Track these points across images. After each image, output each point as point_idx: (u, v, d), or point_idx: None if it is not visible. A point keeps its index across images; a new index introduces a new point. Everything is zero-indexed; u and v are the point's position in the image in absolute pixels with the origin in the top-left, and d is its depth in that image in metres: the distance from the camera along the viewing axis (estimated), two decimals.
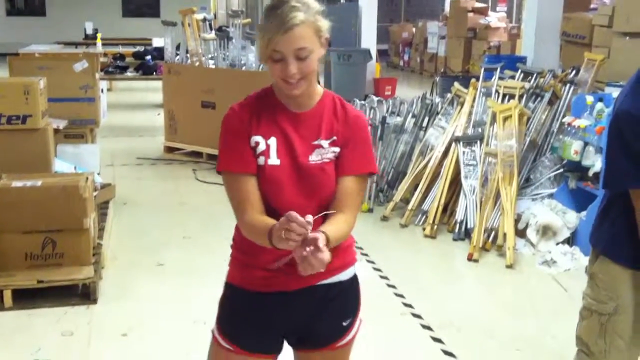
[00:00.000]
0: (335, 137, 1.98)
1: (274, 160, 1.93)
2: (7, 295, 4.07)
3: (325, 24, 1.92)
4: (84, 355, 3.61)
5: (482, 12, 16.42)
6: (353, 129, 1.99)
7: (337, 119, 1.99)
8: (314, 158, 1.95)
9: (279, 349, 2.10)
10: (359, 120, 2.02)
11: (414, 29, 19.24)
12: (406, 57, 19.41)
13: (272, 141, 1.94)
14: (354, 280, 2.09)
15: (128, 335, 3.82)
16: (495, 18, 16.23)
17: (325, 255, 1.68)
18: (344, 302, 2.08)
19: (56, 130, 5.26)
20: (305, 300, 2.01)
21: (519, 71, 6.17)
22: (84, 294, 4.23)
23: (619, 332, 2.43)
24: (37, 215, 4.19)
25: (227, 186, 1.96)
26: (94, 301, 4.18)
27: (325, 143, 1.97)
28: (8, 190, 4.15)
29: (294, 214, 1.67)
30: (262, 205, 1.92)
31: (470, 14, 16.06)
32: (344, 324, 2.07)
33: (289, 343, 2.12)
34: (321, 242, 1.67)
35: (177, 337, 3.79)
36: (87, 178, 4.44)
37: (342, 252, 2.02)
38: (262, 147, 1.93)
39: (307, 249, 1.66)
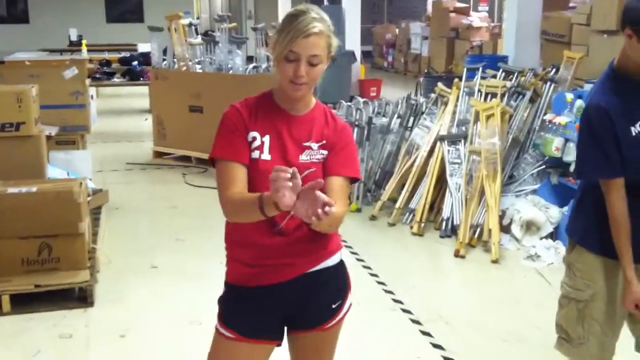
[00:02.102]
0: (324, 141, 2.14)
1: (266, 155, 2.09)
2: (5, 301, 4.14)
3: (335, 42, 2.10)
4: (82, 357, 3.70)
5: (464, 12, 16.61)
6: (340, 137, 2.18)
7: (328, 126, 2.17)
8: (304, 158, 2.12)
9: (280, 337, 2.24)
10: (346, 130, 2.22)
11: (397, 30, 19.42)
12: (390, 58, 19.58)
13: (267, 138, 2.10)
14: (340, 264, 2.25)
15: (126, 336, 3.91)
16: (477, 18, 16.42)
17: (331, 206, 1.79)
18: (333, 286, 2.24)
19: (48, 137, 5.33)
20: (300, 286, 2.16)
21: (501, 70, 6.32)
22: (81, 297, 4.31)
23: (596, 317, 2.57)
24: (32, 220, 4.27)
25: (218, 171, 2.11)
26: (91, 304, 4.27)
27: (315, 145, 2.14)
28: (3, 196, 4.23)
29: (278, 166, 1.82)
30: (247, 190, 2.05)
31: (452, 14, 16.24)
32: (334, 306, 2.23)
33: (285, 325, 2.25)
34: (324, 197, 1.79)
35: (173, 338, 3.89)
36: (80, 183, 4.53)
37: (328, 240, 2.19)
38: (257, 142, 2.10)
39: (320, 210, 1.77)
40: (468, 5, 17.83)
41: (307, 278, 2.16)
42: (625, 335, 2.69)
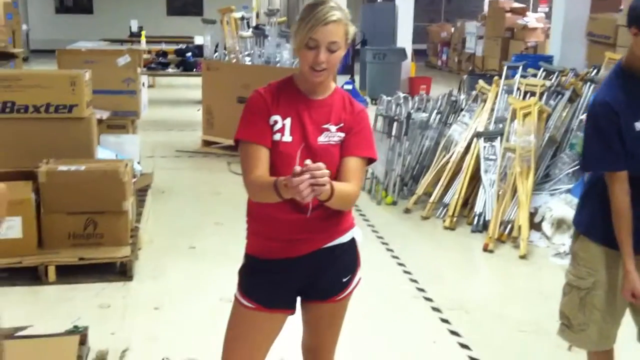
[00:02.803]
0: (342, 124, 2.30)
1: (287, 137, 2.25)
2: (51, 271, 4.44)
3: (352, 30, 2.25)
4: (119, 324, 3.95)
5: (520, 12, 16.47)
6: (357, 120, 2.33)
7: (345, 110, 2.33)
8: (322, 139, 2.27)
9: (294, 306, 2.41)
10: (362, 114, 2.36)
11: (452, 29, 19.37)
12: (444, 57, 19.54)
13: (288, 121, 2.26)
14: (352, 242, 2.41)
15: (160, 309, 4.16)
16: (534, 18, 16.25)
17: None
18: (344, 261, 2.40)
19: (99, 121, 5.62)
20: (314, 261, 2.33)
21: (541, 69, 6.35)
22: (121, 271, 4.59)
23: (597, 305, 2.67)
24: (80, 197, 4.56)
25: (241, 153, 2.28)
26: (130, 278, 4.53)
27: (333, 128, 2.29)
28: (54, 173, 4.53)
29: (295, 179, 1.95)
30: (268, 173, 2.22)
31: (508, 14, 16.13)
32: (344, 280, 2.39)
33: (299, 296, 2.43)
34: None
35: (205, 312, 4.11)
36: (126, 164, 4.79)
37: (342, 218, 2.35)
38: (279, 125, 2.26)
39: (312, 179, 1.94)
40: (525, 5, 17.65)
41: (322, 253, 2.32)
42: (628, 325, 2.77)
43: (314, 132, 2.26)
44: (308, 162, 1.97)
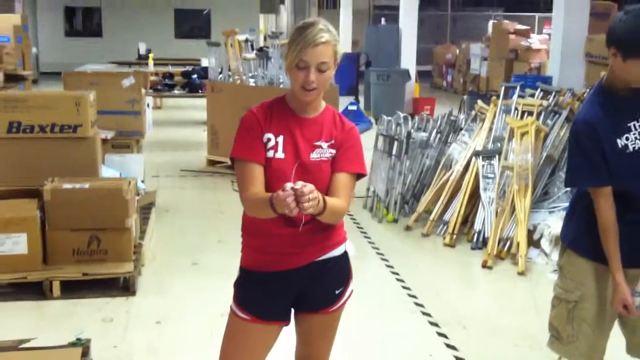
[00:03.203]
0: (333, 141, 2.39)
1: (280, 154, 2.34)
2: (56, 286, 4.53)
3: (340, 50, 2.36)
4: (121, 338, 4.03)
5: (524, 34, 16.62)
6: (347, 137, 2.42)
7: (336, 127, 2.42)
8: (314, 156, 2.36)
9: (288, 317, 2.49)
10: (352, 131, 2.46)
11: (457, 51, 19.52)
12: (449, 78, 19.68)
13: (280, 139, 2.35)
14: (344, 255, 2.50)
15: (162, 323, 4.24)
16: (537, 40, 16.40)
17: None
18: (336, 273, 2.48)
19: (104, 140, 5.74)
20: (307, 273, 2.41)
21: (539, 90, 6.45)
22: (124, 287, 4.67)
23: (585, 318, 2.73)
24: (84, 214, 4.66)
25: (237, 170, 2.37)
26: (133, 293, 4.61)
27: (325, 144, 2.39)
28: (59, 191, 4.63)
29: (281, 193, 2.06)
30: (264, 189, 2.31)
31: (512, 36, 16.28)
32: (337, 292, 2.47)
33: (292, 307, 2.51)
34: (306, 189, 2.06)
35: (206, 327, 4.18)
36: (129, 182, 4.90)
37: (334, 232, 2.44)
38: (272, 143, 2.35)
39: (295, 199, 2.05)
40: (529, 27, 17.80)
41: (315, 266, 2.41)
42: (620, 337, 2.82)
43: (306, 148, 2.35)
44: (299, 184, 2.07)
